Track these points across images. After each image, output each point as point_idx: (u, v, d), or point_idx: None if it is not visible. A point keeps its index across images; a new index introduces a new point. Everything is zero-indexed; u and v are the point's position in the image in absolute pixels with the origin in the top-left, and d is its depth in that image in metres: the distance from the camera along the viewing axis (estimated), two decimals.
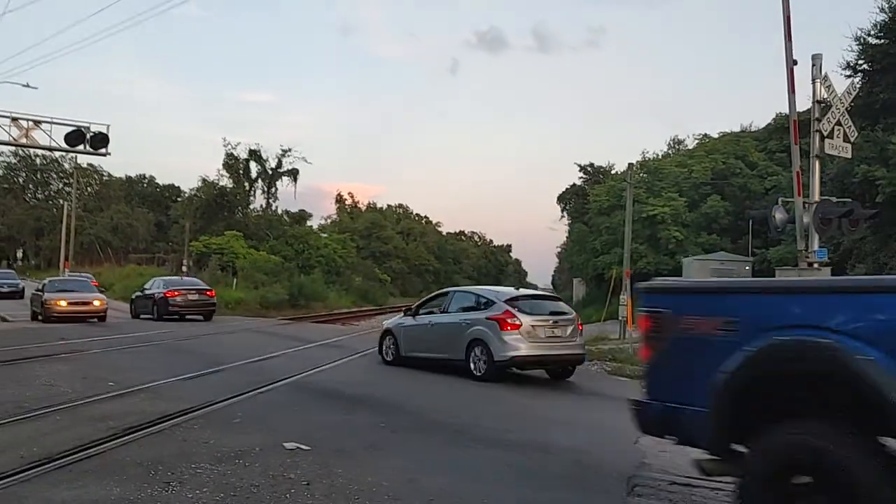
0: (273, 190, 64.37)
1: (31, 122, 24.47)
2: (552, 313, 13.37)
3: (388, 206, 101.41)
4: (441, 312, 14.32)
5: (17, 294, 38.23)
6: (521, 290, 16.06)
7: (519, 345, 12.46)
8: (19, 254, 72.92)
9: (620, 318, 24.87)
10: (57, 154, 74.67)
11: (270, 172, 63.51)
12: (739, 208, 35.40)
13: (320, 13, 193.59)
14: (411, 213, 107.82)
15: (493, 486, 6.35)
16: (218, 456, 6.79)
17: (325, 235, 64.82)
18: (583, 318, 38.08)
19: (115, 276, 52.56)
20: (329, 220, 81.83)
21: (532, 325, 12.64)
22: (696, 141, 48.99)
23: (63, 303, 23.95)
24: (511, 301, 13.17)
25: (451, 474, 6.59)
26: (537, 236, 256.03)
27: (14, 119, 24.26)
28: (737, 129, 47.09)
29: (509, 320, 12.58)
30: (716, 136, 46.21)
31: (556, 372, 13.63)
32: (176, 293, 26.10)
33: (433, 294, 16.22)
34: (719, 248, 32.25)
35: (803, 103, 14.33)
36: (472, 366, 12.92)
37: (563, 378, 13.55)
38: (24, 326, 21.57)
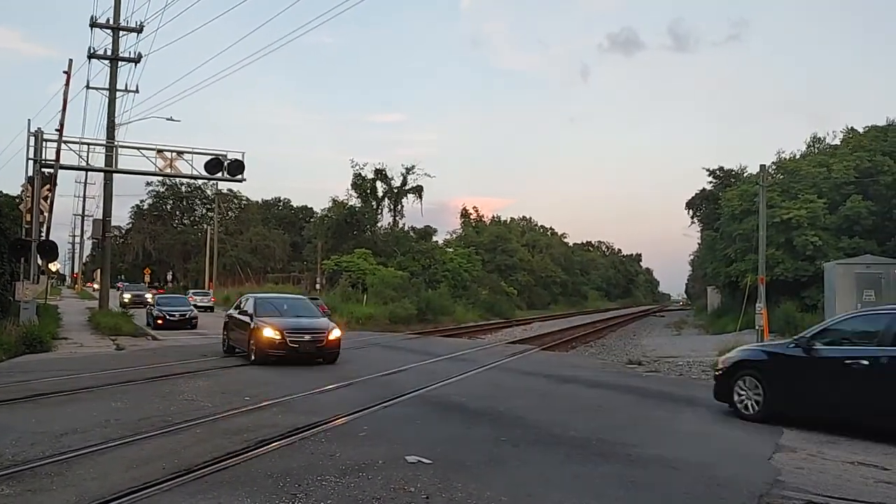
0: (399, 207, 65.79)
1: (174, 153, 26.29)
2: None
3: (512, 218, 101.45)
4: None
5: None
6: None
7: None
8: (169, 276, 77.92)
9: (757, 327, 23.75)
10: (200, 182, 79.76)
11: (396, 191, 64.98)
12: (886, 208, 32.99)
13: (446, 30, 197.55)
14: (536, 225, 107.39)
15: (614, 503, 6.22)
16: (343, 468, 7.01)
17: (450, 250, 65.48)
18: (718, 328, 37.21)
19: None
20: (454, 235, 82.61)
21: None
22: (841, 134, 45.98)
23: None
24: None
25: (571, 490, 6.51)
26: (670, 244, 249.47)
27: (159, 151, 26.14)
28: (883, 122, 43.90)
29: None
30: (861, 130, 43.27)
31: None
32: None
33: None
34: (864, 252, 30.07)
35: None
36: None
37: None
38: (170, 345, 23.00)
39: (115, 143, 28.46)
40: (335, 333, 17.10)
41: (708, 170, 58.10)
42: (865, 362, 9.19)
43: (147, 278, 71.18)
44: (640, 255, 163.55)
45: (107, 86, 31.75)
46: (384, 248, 59.53)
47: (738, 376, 10.86)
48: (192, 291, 52.88)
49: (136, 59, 31.69)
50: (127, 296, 48.30)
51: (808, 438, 9.14)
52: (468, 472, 6.98)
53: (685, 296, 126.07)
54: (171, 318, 30.38)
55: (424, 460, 7.38)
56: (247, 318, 17.45)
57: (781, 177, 40.08)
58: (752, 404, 10.55)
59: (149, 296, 46.00)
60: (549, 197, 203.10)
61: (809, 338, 10.21)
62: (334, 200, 65.29)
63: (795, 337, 10.79)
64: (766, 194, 27.41)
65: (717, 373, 11.57)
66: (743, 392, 10.71)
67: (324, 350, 16.71)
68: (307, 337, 16.52)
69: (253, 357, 16.53)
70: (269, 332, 16.31)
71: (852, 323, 10.49)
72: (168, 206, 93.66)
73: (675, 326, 48.20)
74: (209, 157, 26.37)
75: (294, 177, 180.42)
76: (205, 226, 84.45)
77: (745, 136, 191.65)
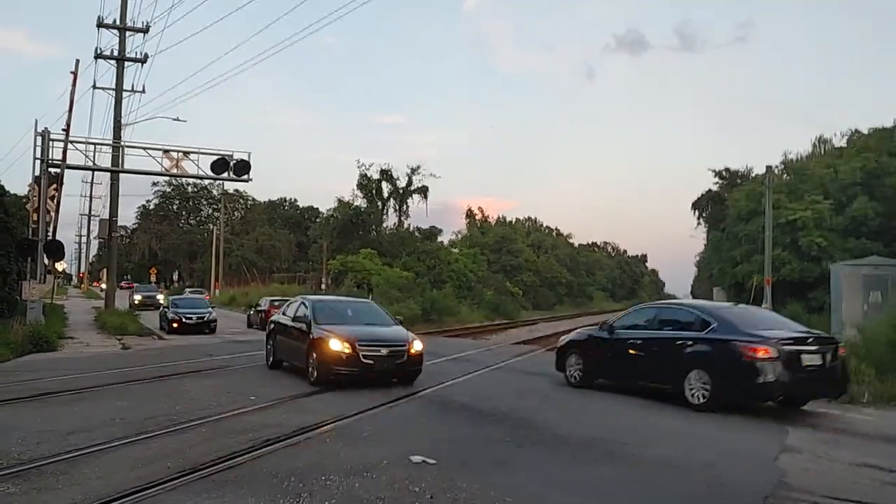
0: (404, 208, 65.86)
1: (180, 154, 26.39)
2: None
3: (518, 219, 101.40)
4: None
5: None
6: None
7: None
8: (175, 276, 78.11)
9: None
10: (206, 182, 79.98)
11: (401, 191, 65.02)
12: (893, 209, 32.91)
13: (449, 30, 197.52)
14: (541, 225, 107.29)
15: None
16: (347, 468, 7.01)
17: (455, 250, 65.47)
18: None
19: (260, 294, 55.31)
20: (459, 236, 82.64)
21: None
22: (845, 137, 45.84)
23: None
24: None
25: (575, 492, 6.50)
26: (675, 245, 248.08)
27: (165, 151, 26.25)
28: (890, 124, 43.71)
29: None
30: (866, 131, 43.12)
31: None
32: None
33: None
34: (870, 253, 29.95)
35: None
36: None
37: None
38: (177, 344, 23.06)
39: (122, 143, 28.59)
40: (417, 346, 13.82)
41: (714, 170, 58.03)
42: (639, 341, 12.56)
43: (153, 278, 71.35)
44: (645, 255, 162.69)
45: (113, 86, 31.87)
46: (389, 248, 59.57)
47: (568, 353, 14.08)
48: (188, 290, 52.71)
49: (143, 60, 31.80)
50: (137, 297, 46.29)
51: (815, 439, 9.11)
52: (473, 473, 6.98)
53: (691, 297, 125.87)
54: (189, 320, 28.29)
55: (429, 460, 7.38)
56: (302, 326, 14.54)
57: (788, 177, 40.03)
58: (576, 374, 13.78)
59: (161, 297, 45.31)
60: (553, 198, 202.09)
61: (612, 324, 13.44)
62: (340, 201, 65.46)
63: (603, 322, 14.06)
64: (772, 195, 27.38)
65: (556, 350, 14.68)
66: (571, 365, 13.91)
67: (404, 367, 13.58)
68: (384, 351, 13.37)
69: (314, 375, 13.43)
70: (336, 345, 13.15)
71: (640, 313, 13.69)
72: (174, 206, 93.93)
73: None
74: (215, 158, 26.47)
75: (300, 177, 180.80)
76: (211, 226, 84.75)
77: (752, 137, 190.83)
